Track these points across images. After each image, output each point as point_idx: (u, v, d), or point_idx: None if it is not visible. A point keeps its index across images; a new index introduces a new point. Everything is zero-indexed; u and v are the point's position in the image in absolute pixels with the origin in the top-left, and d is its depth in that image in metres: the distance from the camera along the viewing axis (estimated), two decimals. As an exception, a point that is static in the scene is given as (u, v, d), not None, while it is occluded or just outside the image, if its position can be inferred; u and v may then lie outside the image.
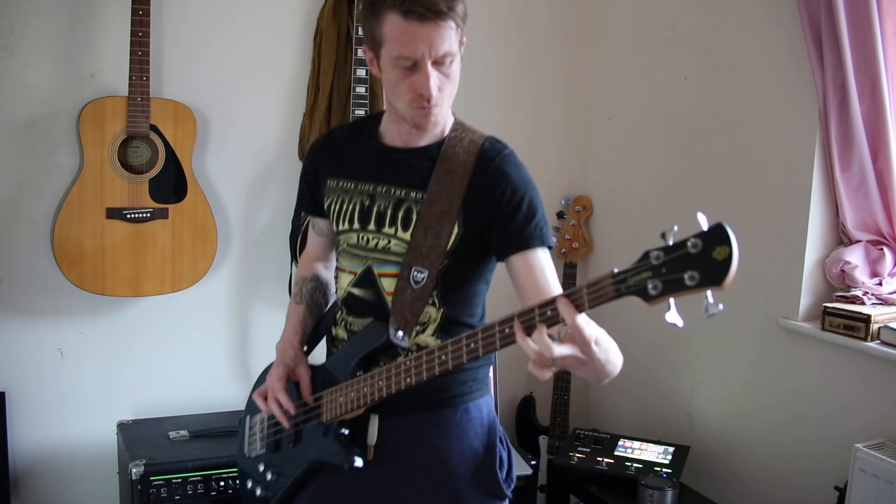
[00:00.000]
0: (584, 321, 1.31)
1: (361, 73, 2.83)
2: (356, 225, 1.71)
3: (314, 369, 1.80)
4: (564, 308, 1.30)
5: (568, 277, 3.26)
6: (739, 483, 2.80)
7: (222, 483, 2.56)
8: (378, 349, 1.66)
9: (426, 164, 1.67)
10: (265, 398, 1.79)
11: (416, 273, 1.65)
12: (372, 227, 1.69)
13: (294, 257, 2.96)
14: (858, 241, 2.48)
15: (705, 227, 1.16)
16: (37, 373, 2.82)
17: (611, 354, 1.40)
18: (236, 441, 1.97)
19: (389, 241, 1.67)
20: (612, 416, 3.39)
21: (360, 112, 2.83)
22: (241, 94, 2.94)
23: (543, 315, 1.33)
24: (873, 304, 2.41)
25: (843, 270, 2.48)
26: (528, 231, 1.63)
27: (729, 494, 2.83)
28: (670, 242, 1.19)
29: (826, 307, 2.45)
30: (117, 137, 2.66)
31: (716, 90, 2.83)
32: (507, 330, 1.39)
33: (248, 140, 2.96)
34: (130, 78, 2.62)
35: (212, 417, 2.84)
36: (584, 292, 1.28)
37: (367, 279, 1.71)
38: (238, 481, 1.94)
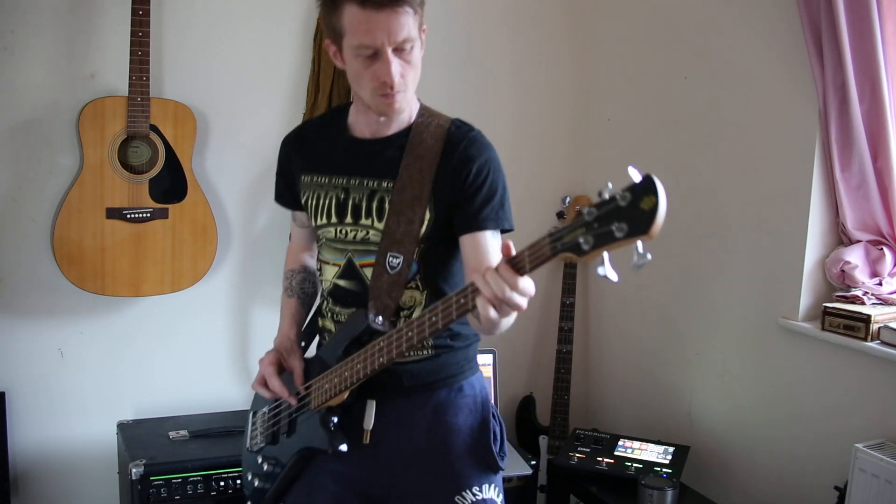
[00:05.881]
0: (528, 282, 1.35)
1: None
2: (333, 219, 1.75)
3: (307, 361, 1.83)
4: (507, 272, 1.33)
5: (568, 277, 3.26)
6: (739, 483, 2.80)
7: (222, 483, 2.56)
8: (364, 336, 1.68)
9: (396, 153, 1.71)
10: (264, 385, 1.82)
11: (391, 259, 1.69)
12: (349, 220, 1.73)
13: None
14: (858, 241, 2.48)
15: (637, 180, 1.17)
16: (37, 373, 2.82)
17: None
18: (242, 439, 2.01)
19: (367, 233, 1.71)
20: (612, 416, 3.39)
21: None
22: (241, 94, 2.94)
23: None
24: (873, 304, 2.41)
25: (843, 270, 2.48)
26: (483, 214, 1.67)
27: (729, 494, 2.83)
28: (606, 197, 1.21)
29: (826, 307, 2.45)
30: (117, 137, 2.66)
31: (716, 90, 2.83)
32: (461, 300, 1.42)
33: (248, 140, 2.96)
34: (130, 78, 2.61)
35: (212, 417, 2.84)
36: (525, 255, 1.32)
37: (349, 271, 1.75)
38: (242, 477, 1.98)
